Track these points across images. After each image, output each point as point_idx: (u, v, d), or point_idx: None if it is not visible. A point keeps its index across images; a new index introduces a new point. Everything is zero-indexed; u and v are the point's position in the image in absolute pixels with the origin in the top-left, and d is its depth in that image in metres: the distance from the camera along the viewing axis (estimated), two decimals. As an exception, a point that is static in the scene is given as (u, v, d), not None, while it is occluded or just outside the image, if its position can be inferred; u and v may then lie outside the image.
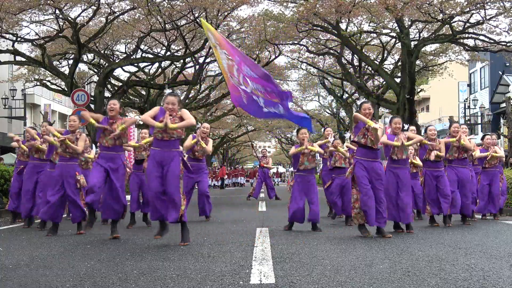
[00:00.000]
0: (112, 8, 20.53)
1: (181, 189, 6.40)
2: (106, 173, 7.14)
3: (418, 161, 9.42)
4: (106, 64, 23.84)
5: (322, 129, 9.23)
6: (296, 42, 24.76)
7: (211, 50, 25.21)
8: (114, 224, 7.32)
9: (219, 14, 21.38)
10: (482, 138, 10.29)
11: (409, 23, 20.54)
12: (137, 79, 27.77)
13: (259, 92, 8.92)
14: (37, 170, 9.05)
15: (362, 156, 7.24)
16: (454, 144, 8.95)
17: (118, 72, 29.08)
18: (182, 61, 26.20)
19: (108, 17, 20.79)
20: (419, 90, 28.51)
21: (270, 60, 27.71)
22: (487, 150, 9.89)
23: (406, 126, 8.17)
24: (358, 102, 7.56)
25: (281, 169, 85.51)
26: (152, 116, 6.45)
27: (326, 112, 43.47)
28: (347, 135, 10.37)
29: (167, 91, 6.85)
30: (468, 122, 34.88)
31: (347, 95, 33.56)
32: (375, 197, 7.16)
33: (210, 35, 8.86)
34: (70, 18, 20.10)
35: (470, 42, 21.96)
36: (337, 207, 9.61)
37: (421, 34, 22.88)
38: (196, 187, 10.00)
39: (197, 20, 21.30)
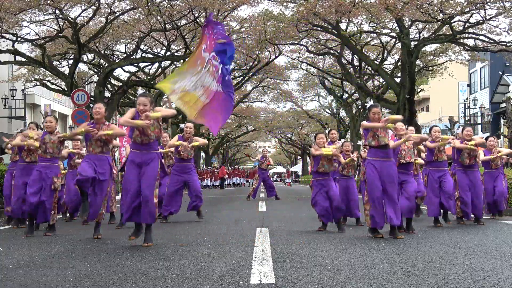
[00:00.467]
0: (112, 8, 20.55)
1: (155, 192, 6.41)
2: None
3: (419, 160, 9.38)
4: (106, 64, 23.86)
5: (326, 131, 9.19)
6: (296, 42, 24.78)
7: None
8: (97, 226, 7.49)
9: (219, 14, 21.40)
10: (486, 140, 10.33)
11: (409, 23, 20.55)
12: (137, 79, 27.79)
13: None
14: (27, 173, 8.63)
15: (373, 156, 7.09)
16: (467, 151, 8.95)
17: (118, 72, 29.12)
18: (182, 61, 26.22)
19: (108, 17, 20.81)
20: (419, 90, 28.52)
21: (270, 60, 27.74)
22: (490, 152, 9.93)
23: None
24: (367, 105, 7.39)
25: (281, 169, 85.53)
26: (131, 118, 6.45)
27: (326, 112, 43.48)
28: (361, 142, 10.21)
29: (140, 91, 6.84)
30: (468, 122, 34.88)
31: (347, 95, 33.58)
32: (388, 198, 7.00)
33: (176, 86, 8.20)
34: (70, 18, 20.12)
35: (470, 42, 21.98)
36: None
37: (421, 34, 22.89)
38: (187, 189, 9.96)
39: (197, 20, 21.34)
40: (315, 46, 26.08)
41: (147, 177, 6.36)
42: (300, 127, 51.25)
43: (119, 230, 8.25)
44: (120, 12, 21.20)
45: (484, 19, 18.75)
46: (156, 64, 27.73)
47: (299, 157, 68.03)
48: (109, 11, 20.70)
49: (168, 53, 24.78)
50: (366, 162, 7.23)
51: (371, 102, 7.51)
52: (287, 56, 28.84)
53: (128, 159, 6.61)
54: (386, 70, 25.50)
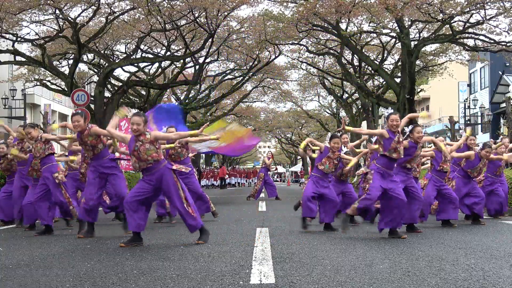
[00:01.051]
0: (112, 8, 20.53)
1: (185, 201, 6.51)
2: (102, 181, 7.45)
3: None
4: (106, 64, 23.84)
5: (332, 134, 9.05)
6: (296, 42, 24.77)
7: (211, 50, 25.33)
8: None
9: (219, 14, 21.39)
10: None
11: (409, 23, 20.54)
12: (137, 79, 27.78)
13: None
14: (25, 177, 8.76)
15: (382, 165, 7.09)
16: (481, 166, 9.04)
17: (118, 72, 29.09)
18: (182, 61, 26.22)
19: (108, 17, 20.79)
20: (419, 90, 28.51)
21: (270, 60, 27.73)
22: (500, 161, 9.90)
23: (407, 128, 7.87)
24: (386, 114, 7.39)
25: (281, 169, 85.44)
26: (123, 138, 6.58)
27: (326, 112, 43.47)
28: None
29: (133, 111, 6.87)
30: (468, 122, 34.90)
31: (347, 95, 33.56)
32: (395, 202, 7.02)
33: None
34: (70, 18, 20.10)
35: (470, 42, 21.95)
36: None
37: (421, 34, 22.88)
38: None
39: (197, 20, 21.33)
40: (315, 46, 26.07)
41: (168, 192, 6.40)
42: (300, 127, 51.23)
43: (119, 231, 8.24)
44: (120, 12, 21.19)
45: (484, 19, 18.74)
46: (156, 64, 27.73)
47: (299, 157, 68.01)
48: (109, 11, 20.68)
49: (168, 53, 24.77)
50: (373, 167, 7.19)
51: (390, 110, 7.44)
52: (287, 56, 28.83)
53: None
54: (386, 70, 25.49)
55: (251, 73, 29.05)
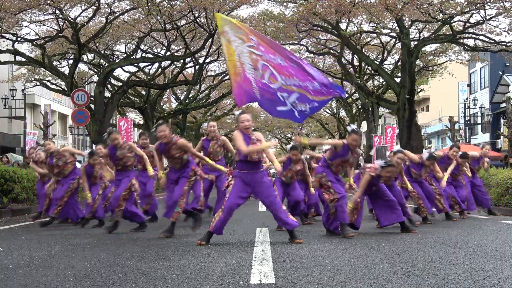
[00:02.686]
0: (112, 8, 20.56)
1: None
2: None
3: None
4: (106, 64, 23.86)
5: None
6: (296, 42, 24.78)
7: (211, 50, 25.31)
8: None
9: (219, 14, 21.37)
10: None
11: (409, 23, 20.55)
12: (137, 79, 27.80)
13: (294, 87, 8.22)
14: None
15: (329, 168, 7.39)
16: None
17: (118, 72, 29.13)
18: (182, 61, 26.22)
19: (108, 17, 20.81)
20: (419, 90, 28.54)
21: (270, 60, 27.71)
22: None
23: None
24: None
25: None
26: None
27: (326, 112, 43.46)
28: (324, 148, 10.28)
29: (236, 112, 6.85)
30: (468, 122, 34.92)
31: (347, 95, 33.56)
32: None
33: (228, 29, 8.14)
34: (70, 18, 20.12)
35: (470, 42, 21.97)
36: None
37: (421, 34, 22.89)
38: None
39: (197, 20, 21.34)
40: (315, 46, 26.08)
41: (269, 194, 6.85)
42: (300, 127, 51.23)
43: (120, 230, 8.23)
44: (120, 12, 21.21)
45: (484, 19, 18.75)
46: (156, 64, 27.75)
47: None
48: (109, 11, 20.71)
49: (168, 53, 24.78)
50: (321, 170, 7.45)
51: (353, 126, 7.44)
52: (287, 56, 28.80)
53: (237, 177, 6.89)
54: (386, 70, 25.50)
55: (251, 73, 29.03)
